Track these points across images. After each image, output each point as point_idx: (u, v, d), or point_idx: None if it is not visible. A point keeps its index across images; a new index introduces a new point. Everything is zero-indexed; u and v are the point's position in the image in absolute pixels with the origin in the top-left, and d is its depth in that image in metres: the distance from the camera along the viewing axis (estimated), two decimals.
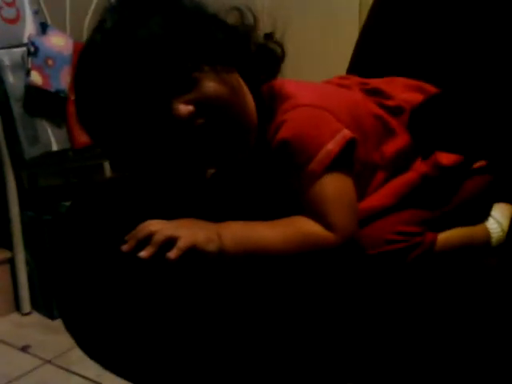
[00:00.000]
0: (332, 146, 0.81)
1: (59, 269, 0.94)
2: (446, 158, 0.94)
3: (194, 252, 0.76)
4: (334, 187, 0.82)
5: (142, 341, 0.84)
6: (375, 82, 0.99)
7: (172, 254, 0.74)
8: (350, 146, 0.83)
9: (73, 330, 0.92)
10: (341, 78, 1.05)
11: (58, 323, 1.66)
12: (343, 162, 0.82)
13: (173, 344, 0.83)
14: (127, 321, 0.84)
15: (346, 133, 0.82)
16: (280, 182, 0.87)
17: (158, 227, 0.76)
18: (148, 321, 0.83)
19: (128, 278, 0.82)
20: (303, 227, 0.81)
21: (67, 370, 1.45)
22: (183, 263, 0.75)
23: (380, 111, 0.94)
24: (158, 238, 0.76)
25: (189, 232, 0.77)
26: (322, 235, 0.80)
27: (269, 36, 0.91)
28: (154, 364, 0.86)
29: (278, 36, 0.91)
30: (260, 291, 0.85)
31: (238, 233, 0.80)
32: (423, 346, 0.93)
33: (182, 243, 0.75)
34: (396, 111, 0.95)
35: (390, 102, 0.95)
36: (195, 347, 0.84)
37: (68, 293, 0.92)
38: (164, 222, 0.78)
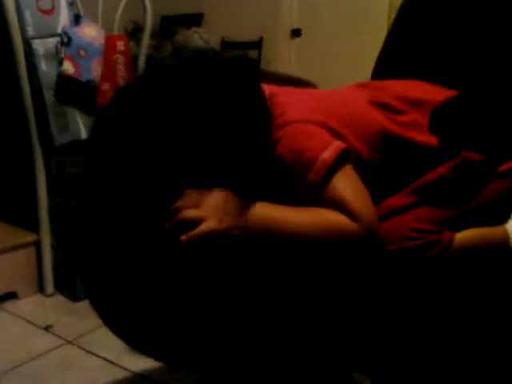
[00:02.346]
0: (327, 156, 0.85)
1: (87, 249, 0.98)
2: (471, 156, 0.95)
3: (216, 236, 0.80)
4: (344, 183, 0.86)
5: (163, 316, 0.87)
6: (387, 94, 1.00)
7: (185, 237, 0.79)
8: (344, 154, 0.86)
9: (99, 306, 0.95)
10: (358, 85, 1.07)
11: (80, 305, 1.71)
12: (341, 165, 0.86)
13: (194, 321, 0.86)
14: (148, 297, 0.87)
15: (338, 144, 0.86)
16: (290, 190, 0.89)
17: (190, 203, 0.82)
18: (168, 298, 0.86)
19: (151, 256, 0.85)
20: (329, 215, 0.85)
21: (87, 351, 1.49)
22: (202, 246, 0.79)
23: (390, 125, 0.96)
24: (183, 216, 0.81)
25: (216, 216, 0.82)
26: (347, 223, 0.84)
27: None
28: (174, 339, 0.89)
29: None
30: (278, 278, 0.87)
31: (266, 215, 0.84)
32: (437, 340, 0.94)
33: (203, 228, 0.80)
34: (412, 125, 0.97)
35: (402, 119, 0.97)
36: (214, 326, 0.87)
37: (95, 271, 0.95)
38: (200, 194, 0.83)
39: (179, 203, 0.83)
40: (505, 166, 0.97)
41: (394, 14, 1.27)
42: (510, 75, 1.02)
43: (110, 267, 0.91)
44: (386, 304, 0.94)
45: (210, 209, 0.83)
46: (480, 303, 0.96)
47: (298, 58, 3.22)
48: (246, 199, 0.86)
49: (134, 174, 0.84)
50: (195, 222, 0.82)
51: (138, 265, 0.87)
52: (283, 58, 3.29)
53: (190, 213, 0.82)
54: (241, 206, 0.85)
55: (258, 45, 3.37)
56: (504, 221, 1.01)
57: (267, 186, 0.89)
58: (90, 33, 1.72)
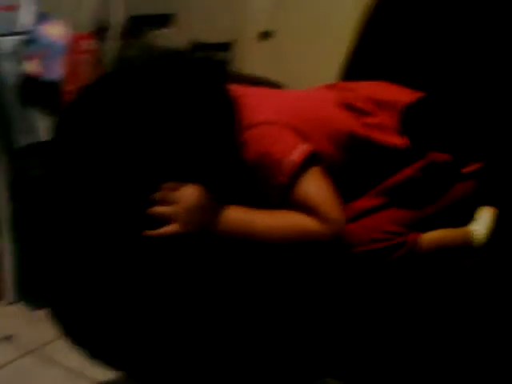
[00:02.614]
0: (294, 158, 0.86)
1: (47, 256, 0.94)
2: (438, 157, 0.96)
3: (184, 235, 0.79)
4: (311, 185, 0.87)
5: (129, 328, 0.84)
6: (355, 96, 1.01)
7: (149, 233, 0.78)
8: (311, 156, 0.87)
9: (60, 317, 0.92)
10: (326, 86, 1.07)
11: (42, 314, 1.65)
12: (309, 167, 0.86)
13: (160, 331, 0.84)
14: (110, 307, 0.84)
15: (305, 146, 0.86)
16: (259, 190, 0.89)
17: (166, 197, 0.82)
18: (131, 307, 0.84)
19: (114, 264, 0.83)
20: (297, 218, 0.85)
21: (50, 361, 1.44)
22: (165, 247, 0.78)
23: (358, 127, 0.96)
24: (154, 211, 0.80)
25: (185, 218, 0.82)
26: (315, 225, 0.84)
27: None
28: (137, 350, 0.87)
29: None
30: (245, 282, 0.86)
31: (235, 219, 0.84)
32: (404, 341, 0.95)
33: (167, 230, 0.80)
34: (379, 127, 0.97)
35: (370, 120, 0.97)
36: (181, 335, 0.85)
37: (56, 280, 0.92)
38: (177, 189, 0.83)
39: (157, 196, 0.82)
40: (469, 168, 0.99)
41: (362, 16, 1.28)
42: (478, 76, 1.03)
43: (70, 275, 0.88)
44: (355, 306, 0.94)
45: (181, 209, 0.82)
46: (443, 304, 0.97)
47: (268, 60, 3.22)
48: (217, 199, 0.85)
49: (99, 174, 0.82)
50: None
51: (100, 273, 0.84)
52: (253, 60, 3.28)
53: (161, 210, 0.81)
54: (212, 209, 0.84)
55: (228, 47, 3.35)
56: (468, 222, 1.03)
57: (236, 187, 0.89)
58: (54, 31, 1.67)
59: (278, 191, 0.86)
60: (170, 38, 2.69)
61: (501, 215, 1.01)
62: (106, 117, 0.83)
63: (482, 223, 1.02)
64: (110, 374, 1.27)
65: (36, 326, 1.60)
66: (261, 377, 0.97)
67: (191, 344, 0.87)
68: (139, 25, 3.13)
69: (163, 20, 3.35)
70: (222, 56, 3.27)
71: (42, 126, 1.68)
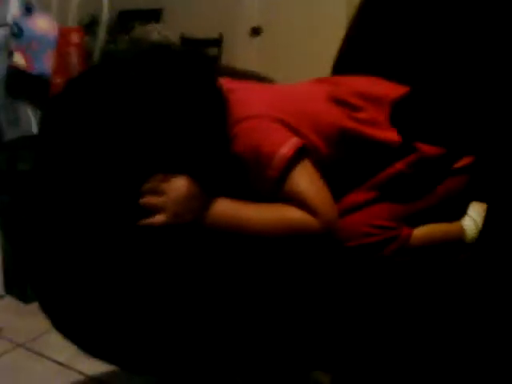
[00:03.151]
0: (285, 151, 0.85)
1: (35, 249, 0.94)
2: (428, 151, 0.97)
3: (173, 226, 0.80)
4: (303, 179, 0.87)
5: (118, 320, 0.84)
6: (346, 90, 1.01)
7: (140, 222, 0.79)
8: (302, 150, 0.87)
9: (49, 310, 0.91)
10: (317, 81, 1.07)
11: (32, 307, 1.64)
12: (300, 161, 0.86)
13: (148, 323, 0.84)
14: (100, 298, 0.84)
15: (296, 139, 0.86)
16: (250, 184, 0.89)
17: (156, 188, 0.81)
18: (122, 299, 0.84)
19: (103, 256, 0.82)
20: (288, 211, 0.85)
21: (39, 354, 1.43)
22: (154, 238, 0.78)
23: (349, 122, 0.96)
24: (144, 202, 0.80)
25: (174, 210, 0.82)
26: (306, 218, 0.84)
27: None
28: (127, 342, 0.87)
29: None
30: (235, 274, 0.86)
31: (225, 212, 0.84)
32: (396, 335, 0.95)
33: (156, 220, 0.80)
34: (370, 122, 0.98)
35: (360, 115, 0.97)
36: (172, 326, 0.85)
37: (45, 273, 0.91)
38: (167, 180, 0.82)
39: (146, 187, 0.82)
40: (461, 163, 1.00)
41: (352, 12, 1.28)
42: (468, 71, 1.04)
43: (59, 268, 0.87)
44: (345, 300, 0.95)
45: (170, 200, 0.82)
46: (435, 299, 0.97)
47: (259, 56, 3.22)
48: (207, 192, 0.85)
49: (88, 166, 0.81)
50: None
51: (89, 265, 0.84)
52: (243, 55, 3.28)
53: (150, 200, 0.81)
54: (201, 200, 0.84)
55: (217, 42, 3.34)
56: (460, 217, 1.03)
57: (227, 180, 0.89)
58: (43, 24, 1.66)
59: (268, 184, 0.86)
60: (159, 32, 2.67)
61: (492, 210, 1.01)
62: (94, 109, 0.82)
63: (474, 218, 1.02)
64: (99, 368, 1.26)
65: (25, 320, 1.59)
66: (251, 368, 0.97)
67: (181, 334, 0.87)
68: (128, 20, 3.11)
69: (152, 15, 3.33)
70: (211, 51, 3.27)
71: (30, 119, 1.67)
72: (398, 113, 0.98)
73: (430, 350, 0.96)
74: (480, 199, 1.04)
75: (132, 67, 0.85)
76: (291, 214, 0.84)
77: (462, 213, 1.03)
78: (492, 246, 0.99)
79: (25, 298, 1.68)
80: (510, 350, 0.89)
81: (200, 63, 0.92)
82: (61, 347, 1.37)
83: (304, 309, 0.93)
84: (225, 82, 0.95)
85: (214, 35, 3.34)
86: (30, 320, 1.56)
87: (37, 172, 0.91)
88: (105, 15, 1.84)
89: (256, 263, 0.87)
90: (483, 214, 1.02)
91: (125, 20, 3.17)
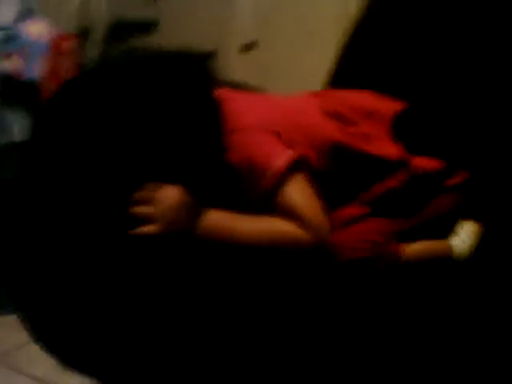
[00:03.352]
0: (279, 164, 0.85)
1: (20, 260, 0.90)
2: (422, 166, 0.96)
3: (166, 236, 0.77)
4: (296, 192, 0.86)
5: (106, 332, 0.81)
6: (340, 104, 1.01)
7: (132, 232, 0.78)
8: (296, 163, 0.87)
9: (30, 322, 0.88)
10: (311, 94, 1.07)
11: (6, 320, 1.58)
12: (293, 174, 0.86)
13: (136, 336, 0.81)
14: (84, 308, 0.81)
15: (290, 152, 0.87)
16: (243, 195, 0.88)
17: (147, 197, 0.80)
18: (107, 310, 0.81)
19: (87, 265, 0.80)
20: (280, 224, 0.85)
21: (14, 370, 1.39)
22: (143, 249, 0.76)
23: (342, 136, 0.96)
24: (135, 211, 0.78)
25: (166, 220, 0.80)
26: (298, 232, 0.83)
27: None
28: (111, 355, 0.83)
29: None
30: (229, 288, 0.84)
31: (217, 223, 0.83)
32: (391, 347, 0.94)
33: (147, 230, 0.78)
34: (366, 137, 0.97)
35: (354, 130, 0.97)
36: (161, 340, 0.82)
37: (30, 283, 0.88)
38: (158, 189, 0.81)
39: (137, 196, 0.80)
40: (453, 181, 1.00)
41: (346, 27, 1.29)
42: (464, 86, 1.05)
43: (46, 278, 0.84)
44: (336, 314, 0.93)
45: (161, 209, 0.80)
46: (427, 314, 0.97)
47: (251, 71, 3.23)
48: (199, 202, 0.83)
49: (77, 174, 0.79)
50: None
51: (77, 274, 0.81)
52: (236, 71, 3.29)
53: (141, 210, 0.79)
54: (193, 211, 0.82)
55: (211, 56, 3.35)
56: (447, 234, 1.03)
57: (219, 191, 0.87)
58: (36, 30, 1.64)
59: (261, 196, 0.85)
60: (152, 45, 2.67)
61: (485, 229, 1.02)
62: (85, 116, 0.81)
63: (463, 237, 1.02)
64: (77, 382, 1.22)
65: (0, 333, 1.54)
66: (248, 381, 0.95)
67: (169, 349, 0.84)
68: (122, 30, 3.11)
69: (146, 27, 3.34)
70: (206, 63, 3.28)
71: (17, 126, 1.64)
72: (399, 127, 0.98)
73: (422, 370, 0.95)
74: (469, 217, 1.04)
75: (125, 74, 0.84)
76: (283, 227, 0.84)
77: (450, 230, 1.03)
78: (486, 266, 0.99)
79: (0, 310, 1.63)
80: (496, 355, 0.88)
81: (196, 72, 0.91)
82: (38, 361, 1.33)
83: (296, 322, 0.91)
84: (221, 92, 0.94)
85: (209, 49, 3.35)
86: (5, 333, 1.51)
87: (23, 178, 0.88)
88: (100, 24, 1.83)
89: (247, 276, 0.86)
90: (472, 233, 1.02)
91: (119, 31, 3.18)
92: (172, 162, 0.82)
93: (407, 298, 0.95)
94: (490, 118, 1.00)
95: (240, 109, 0.92)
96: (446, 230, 1.03)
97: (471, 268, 0.99)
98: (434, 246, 1.01)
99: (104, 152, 0.79)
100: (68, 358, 0.90)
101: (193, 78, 0.89)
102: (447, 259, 1.00)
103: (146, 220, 0.79)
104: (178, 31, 3.35)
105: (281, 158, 0.85)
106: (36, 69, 1.63)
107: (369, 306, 0.93)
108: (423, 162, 0.97)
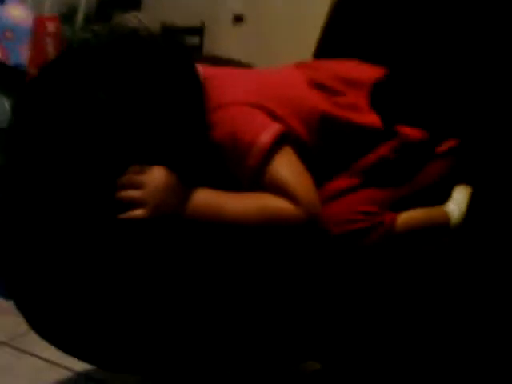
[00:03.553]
0: (265, 139, 0.83)
1: (10, 247, 0.91)
2: (410, 135, 0.96)
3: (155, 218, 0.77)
4: (283, 167, 0.85)
5: (98, 320, 0.83)
6: (326, 74, 0.99)
7: (121, 216, 0.78)
8: (283, 137, 0.85)
9: (25, 310, 0.89)
10: (296, 65, 1.06)
11: (12, 304, 1.61)
12: (280, 148, 0.85)
13: (129, 322, 0.82)
14: (79, 296, 0.82)
15: (276, 126, 0.84)
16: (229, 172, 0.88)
17: (133, 180, 0.80)
18: (101, 296, 0.82)
19: (80, 251, 0.80)
20: (270, 200, 0.84)
21: (24, 352, 1.41)
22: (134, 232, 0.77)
23: (329, 107, 0.95)
24: (123, 195, 0.78)
25: (154, 202, 0.80)
26: (288, 207, 0.83)
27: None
28: (108, 342, 0.85)
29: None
30: (219, 266, 0.84)
31: (205, 202, 0.82)
32: (384, 323, 0.95)
33: (136, 213, 0.78)
34: (352, 106, 0.96)
35: (341, 100, 0.96)
36: (153, 325, 0.83)
37: (20, 272, 0.89)
38: (144, 172, 0.80)
39: (123, 180, 0.79)
40: (443, 147, 0.99)
41: None
42: (450, 51, 1.03)
43: (35, 266, 0.85)
44: (332, 289, 0.94)
45: (148, 192, 0.80)
46: (421, 285, 0.97)
47: (241, 44, 3.19)
48: (185, 182, 0.83)
49: (60, 159, 0.79)
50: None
51: (67, 262, 0.82)
52: (226, 44, 3.24)
53: (128, 194, 0.79)
54: (180, 192, 0.82)
55: (199, 31, 3.30)
56: (444, 201, 1.03)
57: (206, 170, 0.87)
58: (17, 13, 1.62)
59: (249, 173, 0.84)
60: (138, 21, 2.63)
61: (476, 193, 1.01)
62: (66, 98, 0.79)
63: (458, 202, 1.02)
64: (86, 364, 1.25)
65: (8, 317, 1.56)
66: (244, 359, 0.97)
67: (163, 333, 0.85)
68: (107, 8, 3.05)
69: (132, 3, 3.28)
70: (193, 40, 3.22)
71: (6, 111, 1.63)
72: (378, 96, 0.97)
73: (418, 339, 0.96)
74: (463, 182, 1.04)
75: (106, 53, 0.82)
76: (273, 203, 0.83)
77: (446, 196, 1.03)
78: (477, 230, 0.99)
79: (7, 295, 1.65)
80: (495, 337, 0.89)
81: (177, 50, 0.89)
82: (46, 344, 1.35)
83: (291, 299, 0.92)
84: (203, 69, 0.93)
85: (196, 23, 3.29)
86: (13, 317, 1.53)
87: (9, 165, 0.88)
88: (83, 3, 1.80)
89: (238, 253, 0.86)
90: (467, 198, 1.02)
91: (104, 8, 3.11)
92: (156, 144, 0.81)
93: (402, 269, 0.95)
94: (472, 81, 0.99)
95: (224, 85, 0.91)
96: (440, 196, 1.02)
97: (464, 232, 1.00)
98: (429, 213, 1.00)
99: (86, 135, 0.78)
100: (62, 345, 0.91)
101: (174, 55, 0.87)
102: (443, 226, 1.00)
103: (133, 204, 0.79)
104: (164, 6, 3.29)
105: (266, 132, 0.84)
106: (20, 53, 1.61)
107: (363, 280, 0.93)
108: (409, 131, 0.96)
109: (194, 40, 3.23)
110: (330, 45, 1.24)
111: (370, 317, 0.96)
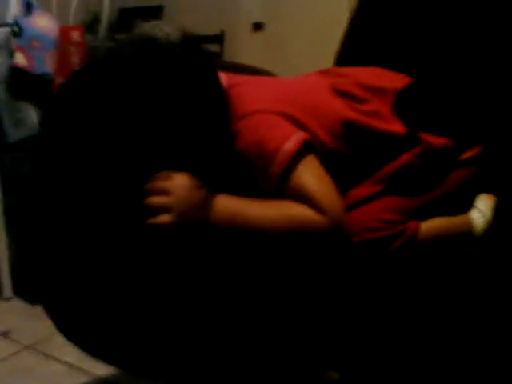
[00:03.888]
0: (289, 147, 0.83)
1: (39, 253, 0.93)
2: (434, 142, 0.95)
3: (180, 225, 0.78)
4: (308, 175, 0.85)
5: (123, 323, 0.83)
6: (349, 82, 0.99)
7: (149, 221, 0.79)
8: (307, 145, 0.85)
9: (53, 313, 0.90)
10: (319, 72, 1.05)
11: (39, 309, 1.63)
12: (304, 156, 0.84)
13: (153, 326, 0.83)
14: (106, 301, 0.83)
15: (300, 134, 0.85)
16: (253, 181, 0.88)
17: (159, 186, 0.80)
18: (128, 302, 0.82)
19: (107, 258, 0.81)
20: (294, 208, 0.83)
21: (48, 356, 1.43)
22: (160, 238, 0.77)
23: (353, 115, 0.95)
24: (149, 202, 0.78)
25: (179, 209, 0.80)
26: (313, 216, 0.82)
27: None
28: (133, 346, 0.85)
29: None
30: (243, 274, 0.85)
31: (230, 209, 0.82)
32: (404, 333, 0.94)
33: (162, 219, 0.78)
34: (375, 114, 0.96)
35: (365, 107, 0.95)
36: (178, 329, 0.84)
37: (49, 276, 0.90)
38: (169, 178, 0.81)
39: (150, 186, 0.81)
40: (468, 154, 0.98)
41: (354, 4, 1.26)
42: (474, 60, 1.02)
43: (63, 270, 0.86)
44: (354, 298, 0.93)
45: (177, 199, 0.80)
46: (446, 292, 0.96)
47: (261, 51, 3.20)
48: (210, 189, 0.83)
49: (88, 166, 0.80)
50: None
51: (94, 266, 0.83)
52: (246, 51, 3.26)
53: (155, 200, 0.80)
54: (205, 198, 0.82)
55: (219, 38, 3.32)
56: (467, 210, 1.01)
57: (230, 177, 0.87)
58: (43, 23, 1.65)
59: (273, 181, 0.84)
60: (160, 30, 2.66)
61: (500, 202, 1.00)
62: (94, 107, 0.80)
63: (481, 210, 1.01)
64: (108, 368, 1.26)
65: (33, 322, 1.59)
66: (261, 369, 0.96)
67: (188, 338, 0.85)
68: (129, 17, 3.10)
69: (153, 12, 3.32)
70: (213, 48, 3.25)
71: (33, 120, 1.66)
72: (403, 103, 0.96)
73: (440, 347, 0.95)
74: (488, 191, 1.03)
75: (132, 63, 0.83)
76: (297, 211, 0.83)
77: (470, 205, 1.02)
78: (503, 239, 0.98)
79: (32, 300, 1.68)
80: None
81: (201, 59, 0.90)
82: (69, 348, 1.36)
83: (312, 307, 0.92)
84: (227, 77, 0.93)
85: (216, 32, 3.32)
86: (38, 322, 1.55)
87: (38, 172, 0.89)
88: (105, 13, 1.83)
89: (261, 261, 0.86)
90: (492, 206, 1.01)
91: (125, 17, 3.16)
92: (181, 151, 0.82)
93: (426, 278, 0.94)
94: (498, 91, 0.98)
95: (248, 93, 0.91)
96: (465, 204, 1.01)
97: (488, 242, 0.98)
98: (452, 221, 0.99)
99: (113, 143, 0.79)
100: (87, 348, 0.92)
101: (198, 64, 0.88)
102: (467, 234, 0.99)
103: (160, 210, 0.80)
104: (184, 15, 3.33)
105: (290, 140, 0.83)
106: (46, 62, 1.65)
107: (385, 289, 0.92)
108: (432, 139, 0.95)
109: (215, 48, 3.26)
110: (351, 52, 1.24)
111: (392, 326, 0.95)
